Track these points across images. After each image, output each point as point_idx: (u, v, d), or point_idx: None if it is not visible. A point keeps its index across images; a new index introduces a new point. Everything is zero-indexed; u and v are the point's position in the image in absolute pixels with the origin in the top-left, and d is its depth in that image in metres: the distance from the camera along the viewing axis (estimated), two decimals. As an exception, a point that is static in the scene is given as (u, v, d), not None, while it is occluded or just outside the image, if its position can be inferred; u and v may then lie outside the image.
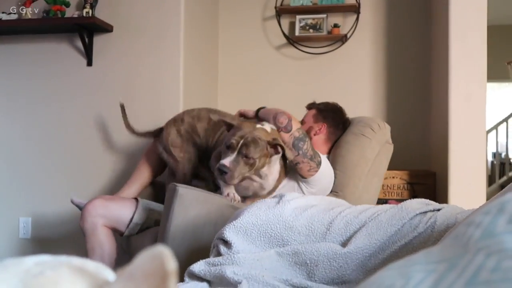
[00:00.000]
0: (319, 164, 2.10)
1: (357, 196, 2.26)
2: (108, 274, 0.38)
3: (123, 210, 2.16)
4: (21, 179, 3.17)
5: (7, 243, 3.17)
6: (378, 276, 0.40)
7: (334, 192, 2.26)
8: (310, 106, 2.52)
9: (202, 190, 1.96)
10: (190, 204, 1.83)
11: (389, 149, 2.44)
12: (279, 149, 1.95)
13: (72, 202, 2.42)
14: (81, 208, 2.33)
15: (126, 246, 2.26)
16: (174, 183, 1.88)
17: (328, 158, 2.38)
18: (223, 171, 1.86)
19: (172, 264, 0.31)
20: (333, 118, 2.42)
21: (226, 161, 1.86)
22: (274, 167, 2.04)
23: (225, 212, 1.85)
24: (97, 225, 2.10)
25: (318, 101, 2.54)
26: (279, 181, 2.12)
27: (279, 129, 2.05)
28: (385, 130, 2.41)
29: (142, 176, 2.48)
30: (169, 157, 2.31)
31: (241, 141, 1.87)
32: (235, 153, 1.88)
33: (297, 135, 2.05)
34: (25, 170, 3.16)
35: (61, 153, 3.12)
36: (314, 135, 2.37)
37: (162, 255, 0.31)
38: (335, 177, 2.28)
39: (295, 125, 2.07)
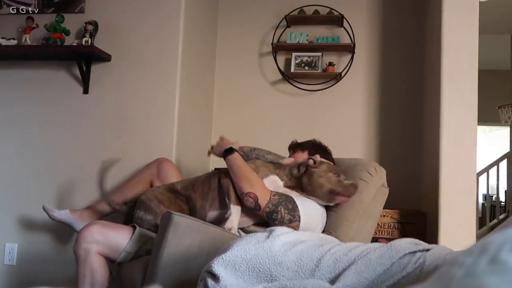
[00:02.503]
0: (299, 218, 2.11)
1: (350, 237, 2.25)
2: None
3: (119, 238, 2.09)
4: (9, 204, 3.13)
5: (-10, 269, 3.11)
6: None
7: (327, 231, 2.25)
8: (295, 148, 2.50)
9: (197, 220, 1.94)
10: (184, 233, 1.81)
11: (385, 192, 2.44)
12: None
13: (44, 208, 2.53)
14: (50, 216, 2.51)
15: (116, 273, 2.22)
16: (169, 211, 1.86)
17: None
18: None
19: None
20: (326, 159, 2.43)
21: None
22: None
23: (218, 243, 1.83)
24: (90, 251, 2.03)
25: (298, 140, 2.52)
26: None
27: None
28: (382, 174, 2.41)
29: (131, 192, 2.51)
30: None
31: None
32: None
33: (268, 209, 2.08)
34: (15, 195, 3.14)
35: (53, 179, 3.10)
36: None
37: None
38: (329, 217, 2.28)
39: (262, 201, 2.08)
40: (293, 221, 2.09)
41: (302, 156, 2.44)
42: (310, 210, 2.20)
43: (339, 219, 2.26)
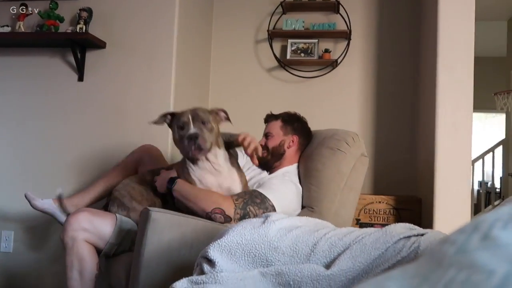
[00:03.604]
0: (272, 207, 2.09)
1: (333, 211, 2.23)
2: None
3: (106, 227, 2.06)
4: (5, 192, 3.13)
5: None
6: (355, 290, 0.40)
7: (309, 207, 2.24)
8: (269, 119, 2.53)
9: (177, 213, 1.91)
10: (164, 228, 1.78)
11: (365, 162, 2.40)
12: (222, 113, 2.14)
13: (26, 196, 2.42)
14: (32, 204, 2.39)
15: (104, 268, 2.19)
16: (147, 207, 1.84)
17: (298, 167, 2.40)
18: (194, 137, 1.93)
19: None
20: (301, 130, 2.45)
21: (191, 130, 1.95)
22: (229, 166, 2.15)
23: (200, 235, 1.82)
24: (77, 239, 2.00)
25: (274, 112, 2.54)
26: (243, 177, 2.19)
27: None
28: (360, 143, 2.38)
29: (100, 187, 2.49)
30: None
31: (190, 115, 1.99)
32: (191, 124, 1.97)
33: (239, 216, 2.03)
34: (11, 182, 3.13)
35: (48, 166, 3.10)
36: (288, 148, 2.39)
37: None
38: (309, 191, 2.27)
39: (230, 211, 2.02)
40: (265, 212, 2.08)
41: (276, 124, 2.45)
42: (282, 194, 2.19)
43: (320, 194, 2.24)
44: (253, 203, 2.06)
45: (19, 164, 3.14)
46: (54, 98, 3.13)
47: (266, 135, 2.46)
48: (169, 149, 2.93)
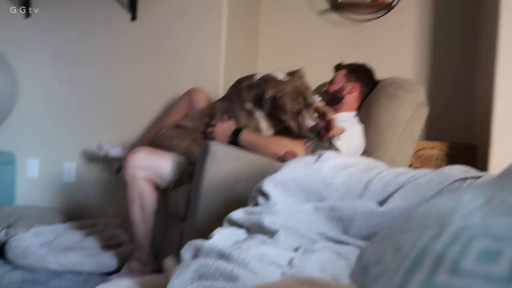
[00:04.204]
0: (335, 148, 2.16)
1: (389, 157, 2.25)
2: None
3: (163, 165, 2.17)
4: (67, 126, 3.27)
5: (51, 185, 3.30)
6: (430, 202, 0.42)
7: (367, 151, 2.29)
8: (338, 67, 2.56)
9: (235, 148, 2.00)
10: (222, 161, 1.87)
11: (424, 111, 2.40)
12: None
13: (99, 147, 2.75)
14: (107, 154, 2.71)
15: (161, 200, 2.32)
16: (207, 141, 1.93)
17: (359, 114, 2.42)
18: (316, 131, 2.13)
19: None
20: (365, 78, 2.45)
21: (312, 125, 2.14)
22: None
23: (256, 169, 1.89)
24: (136, 177, 2.13)
25: (345, 63, 2.56)
26: None
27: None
28: (419, 92, 2.36)
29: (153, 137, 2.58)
30: None
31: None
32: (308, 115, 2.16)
33: (309, 149, 2.13)
34: (72, 119, 3.26)
35: (105, 104, 3.20)
36: (348, 94, 2.40)
37: None
38: (367, 136, 2.30)
39: (301, 154, 2.09)
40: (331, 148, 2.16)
41: (341, 73, 2.48)
42: (347, 138, 2.22)
43: (378, 139, 2.27)
44: (321, 147, 2.13)
45: (76, 102, 3.25)
46: (108, 37, 3.18)
47: (330, 82, 2.51)
48: (220, 89, 2.96)
